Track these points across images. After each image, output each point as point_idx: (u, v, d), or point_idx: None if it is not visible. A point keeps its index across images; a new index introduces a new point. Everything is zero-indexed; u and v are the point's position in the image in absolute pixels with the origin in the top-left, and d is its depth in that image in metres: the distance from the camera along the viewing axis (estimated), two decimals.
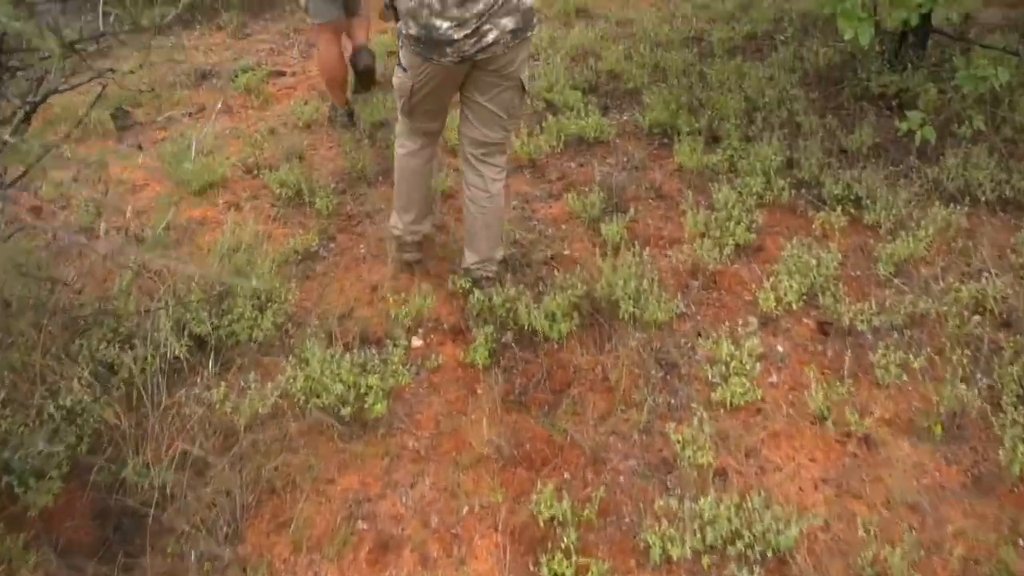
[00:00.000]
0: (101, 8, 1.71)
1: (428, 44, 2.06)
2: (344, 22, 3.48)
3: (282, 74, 4.54)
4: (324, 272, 2.77)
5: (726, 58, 4.37)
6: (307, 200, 3.09)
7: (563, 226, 3.00)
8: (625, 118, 3.87)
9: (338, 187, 3.26)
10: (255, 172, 3.37)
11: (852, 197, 3.01)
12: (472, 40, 2.04)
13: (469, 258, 2.57)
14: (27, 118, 1.84)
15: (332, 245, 2.92)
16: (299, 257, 2.81)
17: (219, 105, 4.12)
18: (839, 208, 2.93)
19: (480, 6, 2.00)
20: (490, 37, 2.05)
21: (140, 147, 3.66)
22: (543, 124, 3.65)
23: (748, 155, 3.31)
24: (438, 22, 2.01)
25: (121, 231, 2.85)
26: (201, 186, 3.22)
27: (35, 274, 2.05)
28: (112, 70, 2.06)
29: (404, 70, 2.23)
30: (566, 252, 2.83)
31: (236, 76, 4.37)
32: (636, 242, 2.78)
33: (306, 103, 4.07)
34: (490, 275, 2.55)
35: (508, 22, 2.06)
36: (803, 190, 3.15)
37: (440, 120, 2.46)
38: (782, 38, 4.49)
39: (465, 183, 2.50)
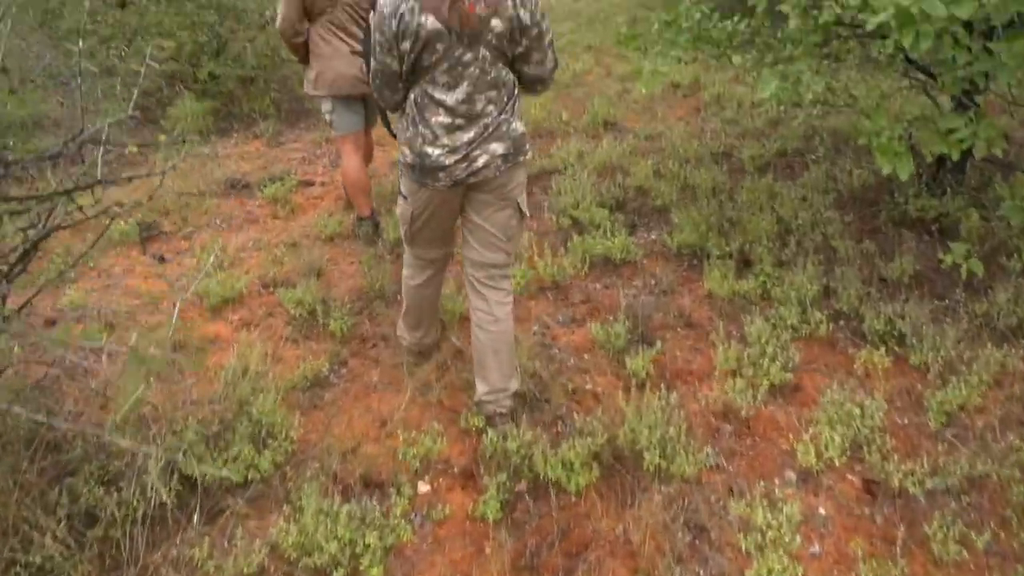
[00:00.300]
0: (101, 155, 1.67)
1: (422, 170, 2.14)
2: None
3: (311, 184, 4.58)
4: (332, 401, 2.63)
5: (757, 176, 4.31)
6: (321, 321, 3.00)
7: (586, 356, 2.85)
8: (653, 237, 3.77)
9: (355, 306, 3.17)
10: (272, 288, 3.31)
11: (895, 333, 2.82)
12: (463, 165, 2.11)
13: (480, 389, 2.43)
14: (26, 255, 1.78)
15: (343, 371, 2.80)
16: (308, 383, 2.69)
17: (245, 215, 4.14)
18: (882, 347, 2.75)
19: (470, 134, 2.09)
20: (480, 162, 2.11)
21: (163, 258, 3.65)
22: (568, 244, 3.57)
23: (782, 282, 3.17)
24: (430, 149, 2.10)
25: (129, 351, 2.76)
26: (217, 302, 3.16)
27: (28, 412, 1.94)
28: (121, 204, 2.02)
29: (404, 197, 2.30)
30: (588, 387, 2.67)
31: (265, 186, 4.41)
32: (663, 379, 2.62)
33: (331, 215, 4.07)
34: (503, 410, 2.42)
35: (498, 147, 2.12)
36: (842, 322, 2.98)
37: (443, 248, 2.48)
38: (813, 157, 4.42)
39: (471, 309, 2.44)
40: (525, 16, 2.00)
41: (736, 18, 3.24)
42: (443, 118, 2.07)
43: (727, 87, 6.21)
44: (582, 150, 4.80)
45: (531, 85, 2.20)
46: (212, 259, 3.40)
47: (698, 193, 4.09)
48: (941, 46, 2.44)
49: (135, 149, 1.95)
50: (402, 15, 1.93)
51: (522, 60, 2.10)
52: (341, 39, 3.32)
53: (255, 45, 5.73)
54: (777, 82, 2.67)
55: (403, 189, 2.29)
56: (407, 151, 2.16)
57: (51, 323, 3.11)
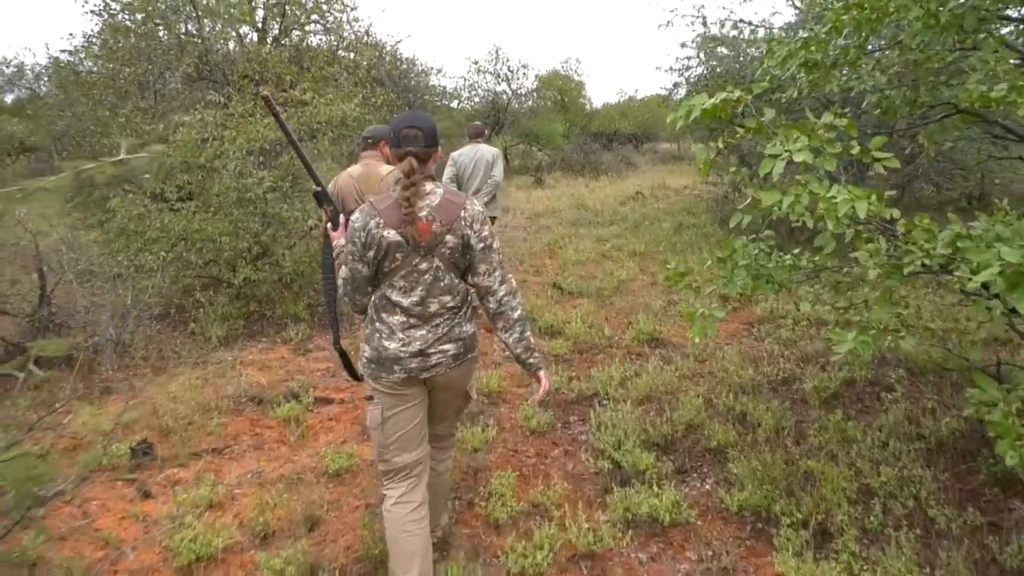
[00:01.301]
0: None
1: (379, 363, 2.31)
2: None
3: (329, 401, 4.24)
4: None
5: (823, 412, 3.80)
6: None
7: None
8: (707, 488, 3.23)
9: (349, 573, 2.65)
10: (257, 544, 2.83)
11: None
12: (418, 359, 2.29)
13: None
14: None
15: None
16: None
17: (252, 438, 3.77)
18: None
19: (423, 332, 2.29)
20: (433, 360, 2.31)
21: (147, 493, 3.24)
22: (607, 498, 3.05)
23: (872, 566, 2.56)
24: (387, 343, 2.29)
25: None
26: (189, 561, 2.68)
27: None
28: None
29: (371, 398, 2.41)
30: None
31: (279, 404, 4.08)
32: None
33: (343, 442, 3.67)
34: (435, 540, 2.67)
35: (450, 348, 2.33)
36: None
37: (416, 451, 2.44)
38: (890, 396, 3.90)
39: None
40: (472, 234, 2.27)
41: (797, 251, 2.92)
42: (400, 317, 2.28)
43: (780, 301, 5.88)
44: (625, 374, 4.40)
45: (484, 296, 2.35)
46: (199, 497, 2.97)
47: (759, 433, 3.58)
48: None
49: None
50: (369, 229, 2.22)
51: (471, 271, 2.33)
52: None
53: (294, 252, 5.71)
54: (856, 334, 2.27)
55: (370, 391, 2.41)
56: (366, 347, 2.34)
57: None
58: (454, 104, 20.30)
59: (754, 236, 2.76)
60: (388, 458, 2.40)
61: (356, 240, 2.23)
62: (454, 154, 5.99)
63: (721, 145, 2.53)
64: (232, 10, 7.81)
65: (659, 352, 4.98)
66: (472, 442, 3.58)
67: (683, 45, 10.01)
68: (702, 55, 11.24)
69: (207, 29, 7.34)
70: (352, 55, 11.43)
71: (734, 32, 8.71)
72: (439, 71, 17.35)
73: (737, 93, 2.44)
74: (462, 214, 2.25)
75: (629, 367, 4.57)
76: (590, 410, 3.93)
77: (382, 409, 2.35)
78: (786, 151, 2.30)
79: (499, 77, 20.63)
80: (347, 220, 2.46)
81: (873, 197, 2.16)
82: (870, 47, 3.80)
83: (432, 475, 2.58)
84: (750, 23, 8.41)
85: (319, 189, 2.68)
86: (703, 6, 8.55)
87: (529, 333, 2.38)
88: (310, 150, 6.21)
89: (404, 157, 2.23)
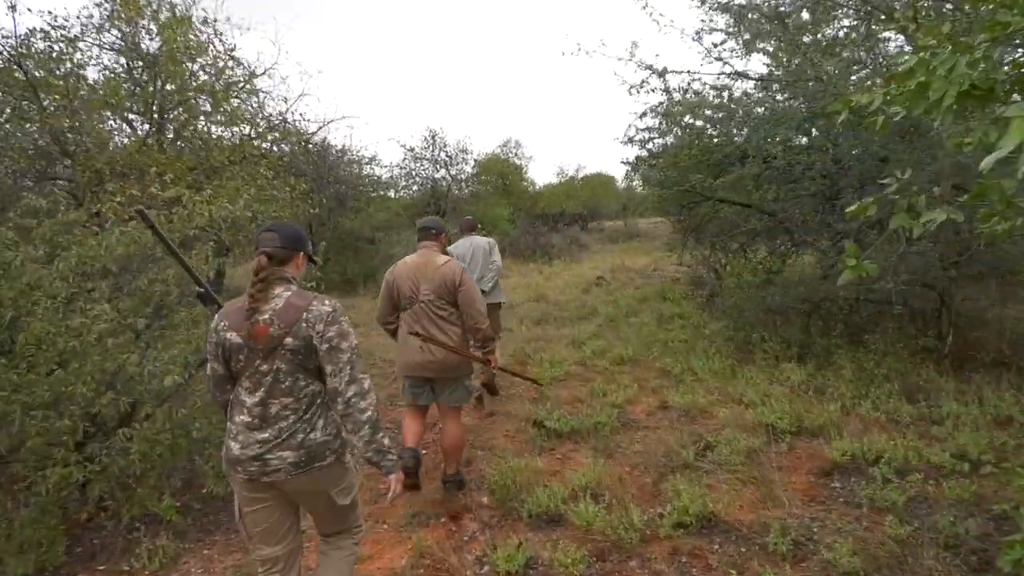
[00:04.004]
0: None
1: (227, 461, 2.30)
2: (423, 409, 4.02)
3: None
4: None
5: None
6: None
7: None
8: None
9: None
10: None
11: None
12: (257, 463, 2.24)
13: None
14: None
15: None
16: None
17: None
18: None
19: (264, 435, 2.24)
20: (271, 465, 2.24)
21: None
22: None
23: None
24: (232, 443, 2.28)
25: None
26: None
27: None
28: None
29: (234, 493, 2.37)
30: None
31: None
32: None
33: None
34: None
35: (288, 455, 2.24)
36: None
37: (278, 546, 2.40)
38: None
39: None
40: (315, 335, 2.24)
41: None
42: (244, 417, 2.27)
43: (863, 435, 4.22)
44: None
45: (333, 398, 2.27)
46: None
47: None
48: None
49: None
50: (218, 330, 2.30)
51: (323, 372, 2.27)
52: (413, 331, 3.74)
53: (151, 425, 3.73)
54: None
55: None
56: (225, 440, 2.32)
57: None
58: (391, 194, 18.83)
59: None
60: (252, 549, 2.42)
61: (212, 339, 2.30)
62: (450, 248, 5.86)
63: None
64: (105, 96, 6.10)
65: (721, 546, 3.21)
66: None
67: (643, 115, 8.73)
68: (664, 124, 9.98)
69: (49, 111, 5.57)
70: (267, 144, 9.85)
71: (721, 90, 7.39)
72: (372, 159, 15.83)
73: None
74: (304, 316, 2.25)
75: None
76: None
77: (239, 503, 2.35)
78: None
79: (437, 163, 19.38)
80: None
81: None
82: None
83: (322, 557, 2.55)
84: (738, 73, 7.12)
85: (202, 290, 2.65)
86: (665, 68, 7.22)
87: (381, 435, 2.30)
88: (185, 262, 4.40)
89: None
